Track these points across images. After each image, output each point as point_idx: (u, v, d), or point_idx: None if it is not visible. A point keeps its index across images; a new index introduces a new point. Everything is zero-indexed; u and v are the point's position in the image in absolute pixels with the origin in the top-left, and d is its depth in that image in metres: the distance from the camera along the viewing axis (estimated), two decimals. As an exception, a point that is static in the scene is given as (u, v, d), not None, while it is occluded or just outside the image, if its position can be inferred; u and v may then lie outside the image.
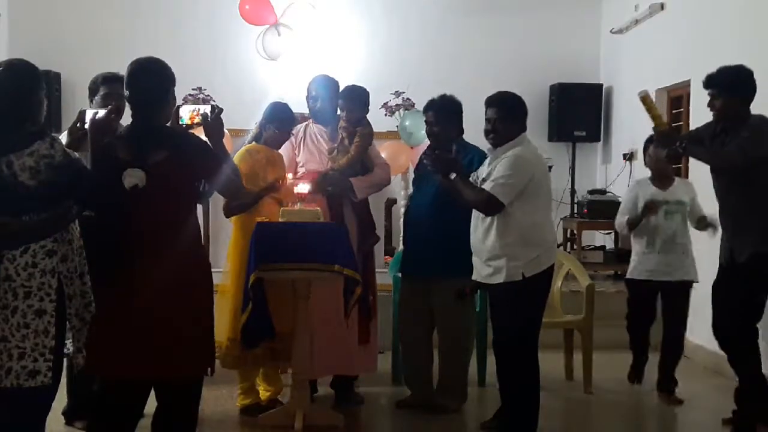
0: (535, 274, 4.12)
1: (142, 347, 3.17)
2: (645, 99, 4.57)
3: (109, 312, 3.23)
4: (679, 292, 5.21)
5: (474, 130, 4.68)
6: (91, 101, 4.50)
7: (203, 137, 3.43)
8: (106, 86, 4.47)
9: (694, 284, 5.23)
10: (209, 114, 3.42)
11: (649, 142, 5.27)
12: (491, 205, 4.11)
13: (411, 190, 5.32)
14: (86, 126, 3.52)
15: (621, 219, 5.39)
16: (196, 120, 3.43)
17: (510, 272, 4.11)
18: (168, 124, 3.37)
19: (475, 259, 4.30)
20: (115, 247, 3.20)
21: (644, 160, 5.39)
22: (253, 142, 4.83)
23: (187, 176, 3.27)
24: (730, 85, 4.45)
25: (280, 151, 4.95)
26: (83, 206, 3.28)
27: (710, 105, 4.52)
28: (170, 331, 3.19)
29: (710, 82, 4.52)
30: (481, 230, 4.22)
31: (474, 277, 4.32)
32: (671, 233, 5.18)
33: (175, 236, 3.23)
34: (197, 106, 3.51)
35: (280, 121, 4.78)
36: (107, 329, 3.22)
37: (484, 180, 4.23)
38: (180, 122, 3.43)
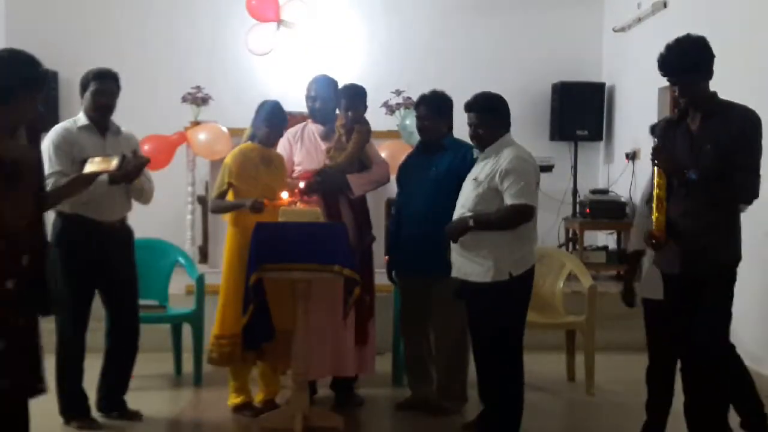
0: (521, 274, 4.11)
1: None
2: None
3: None
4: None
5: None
6: (82, 96, 4.49)
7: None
8: (97, 82, 4.45)
9: None
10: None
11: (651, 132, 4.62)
12: (525, 214, 4.09)
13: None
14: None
15: (632, 237, 4.47)
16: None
17: (497, 271, 4.09)
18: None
19: (455, 256, 4.25)
20: None
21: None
22: (248, 142, 4.80)
23: None
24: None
25: (277, 150, 4.94)
26: None
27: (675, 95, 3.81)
28: None
29: (676, 65, 3.73)
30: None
31: (454, 274, 4.28)
32: None
33: None
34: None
35: (270, 120, 4.75)
36: None
37: (477, 180, 4.21)
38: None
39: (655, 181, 3.73)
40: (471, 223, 4.15)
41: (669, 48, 3.70)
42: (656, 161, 3.74)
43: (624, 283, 4.39)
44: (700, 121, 3.74)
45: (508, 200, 4.10)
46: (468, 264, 4.19)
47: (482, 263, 4.12)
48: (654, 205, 3.73)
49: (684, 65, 3.67)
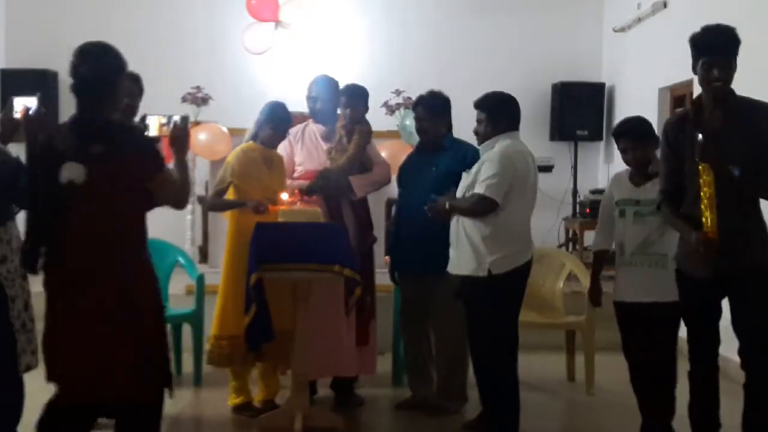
0: (503, 273, 4.12)
1: (74, 365, 2.96)
2: None
3: (52, 320, 3.01)
4: (658, 317, 4.06)
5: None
6: None
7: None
8: None
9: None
10: (177, 122, 3.30)
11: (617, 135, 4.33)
12: (484, 205, 4.13)
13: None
14: (15, 116, 3.40)
15: (595, 237, 4.57)
16: (164, 130, 3.32)
17: (476, 267, 4.13)
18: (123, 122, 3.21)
19: (450, 249, 4.32)
20: (51, 247, 2.97)
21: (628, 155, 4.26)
22: (250, 141, 4.80)
23: (127, 175, 3.00)
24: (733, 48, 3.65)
25: (278, 150, 4.94)
26: (21, 204, 3.15)
27: (710, 76, 3.59)
28: (101, 350, 2.94)
29: (720, 45, 3.65)
30: (458, 221, 4.24)
31: (449, 268, 4.33)
32: (641, 241, 4.14)
33: (113, 243, 2.97)
34: (166, 115, 3.41)
35: (275, 121, 4.75)
36: (52, 340, 3.01)
37: (469, 172, 4.28)
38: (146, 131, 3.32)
39: (702, 179, 3.44)
40: (447, 205, 4.24)
41: (709, 29, 3.68)
42: (704, 157, 3.45)
43: (591, 283, 4.49)
44: (722, 116, 3.61)
45: (476, 189, 4.16)
46: (455, 256, 4.26)
47: (464, 256, 4.19)
48: (704, 205, 3.44)
49: (728, 45, 3.65)
